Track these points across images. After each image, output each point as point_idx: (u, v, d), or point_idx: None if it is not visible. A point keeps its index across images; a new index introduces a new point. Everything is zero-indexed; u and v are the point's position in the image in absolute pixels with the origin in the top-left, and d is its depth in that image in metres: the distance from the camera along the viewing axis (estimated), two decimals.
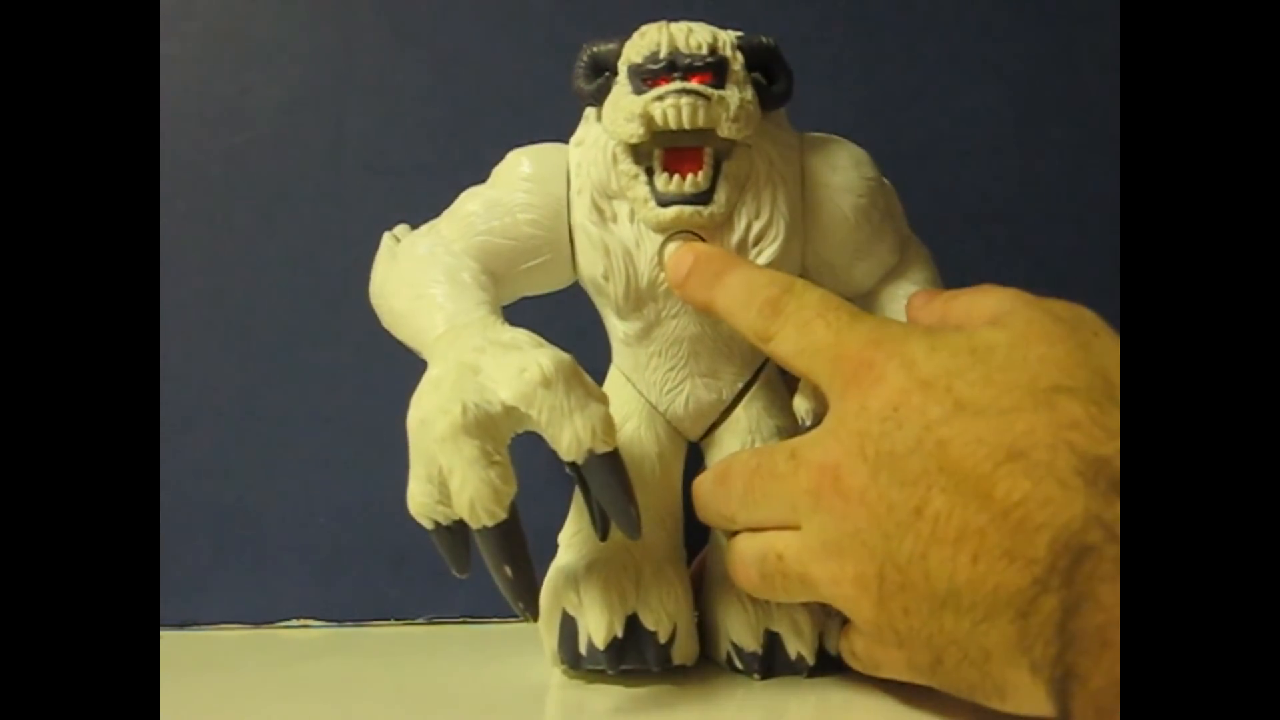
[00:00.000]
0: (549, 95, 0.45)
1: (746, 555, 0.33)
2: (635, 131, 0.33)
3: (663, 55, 0.33)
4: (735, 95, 0.33)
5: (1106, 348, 0.28)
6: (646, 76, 0.33)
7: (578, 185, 0.35)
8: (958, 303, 0.33)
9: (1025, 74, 0.48)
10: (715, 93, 0.33)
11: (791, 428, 0.36)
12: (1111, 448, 0.25)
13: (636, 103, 0.33)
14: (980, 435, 0.27)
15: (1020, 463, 0.26)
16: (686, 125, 0.33)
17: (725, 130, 0.33)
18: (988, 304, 0.31)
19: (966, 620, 0.26)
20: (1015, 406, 0.27)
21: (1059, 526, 0.25)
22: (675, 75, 0.33)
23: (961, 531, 0.26)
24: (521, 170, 0.36)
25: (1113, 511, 0.24)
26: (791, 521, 0.31)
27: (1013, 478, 0.26)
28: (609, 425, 0.32)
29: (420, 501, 0.32)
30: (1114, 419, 0.26)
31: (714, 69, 0.33)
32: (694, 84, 0.33)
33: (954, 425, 0.27)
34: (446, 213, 0.37)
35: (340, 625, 0.46)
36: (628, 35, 0.35)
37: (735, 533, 0.34)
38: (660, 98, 0.33)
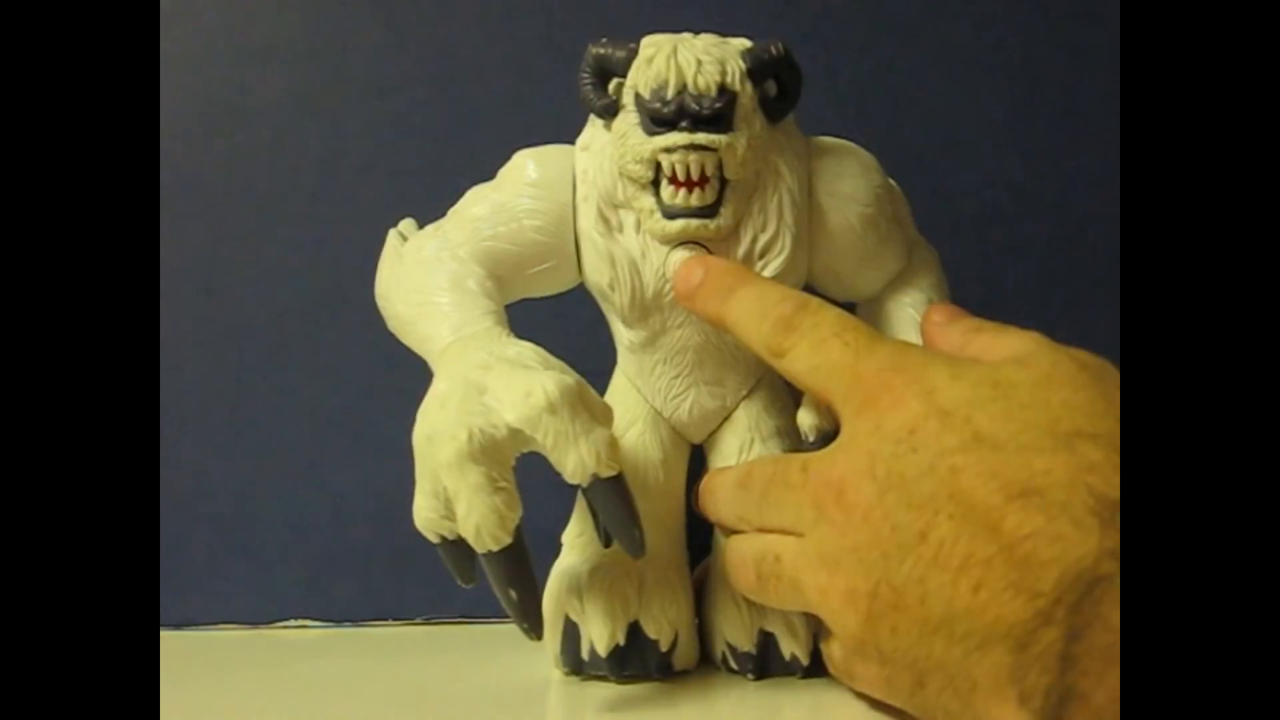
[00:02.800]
0: (547, 94, 0.45)
1: (746, 554, 0.33)
2: (644, 174, 0.33)
3: (671, 96, 0.33)
4: (743, 138, 0.33)
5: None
6: (655, 118, 0.33)
7: (584, 192, 0.35)
8: (979, 339, 0.33)
9: (1024, 74, 0.48)
10: (724, 141, 0.33)
11: (790, 428, 0.36)
12: None
13: (645, 146, 0.33)
14: (995, 468, 0.27)
15: (1035, 499, 0.26)
16: (695, 178, 0.33)
17: (733, 173, 0.33)
18: (1010, 344, 0.31)
19: (958, 648, 0.26)
20: (1034, 445, 0.27)
21: (1069, 563, 0.25)
22: (684, 125, 0.33)
23: (966, 560, 0.26)
24: (527, 175, 0.36)
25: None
26: (797, 530, 0.31)
27: (1025, 512, 0.26)
28: (613, 450, 0.32)
29: (426, 516, 0.32)
30: None
31: (723, 112, 0.33)
32: (702, 137, 0.33)
33: (969, 455, 0.27)
34: (452, 213, 0.37)
35: (338, 625, 0.46)
36: (630, 35, 0.35)
37: (733, 534, 0.34)
38: (669, 150, 0.33)
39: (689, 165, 0.33)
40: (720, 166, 0.33)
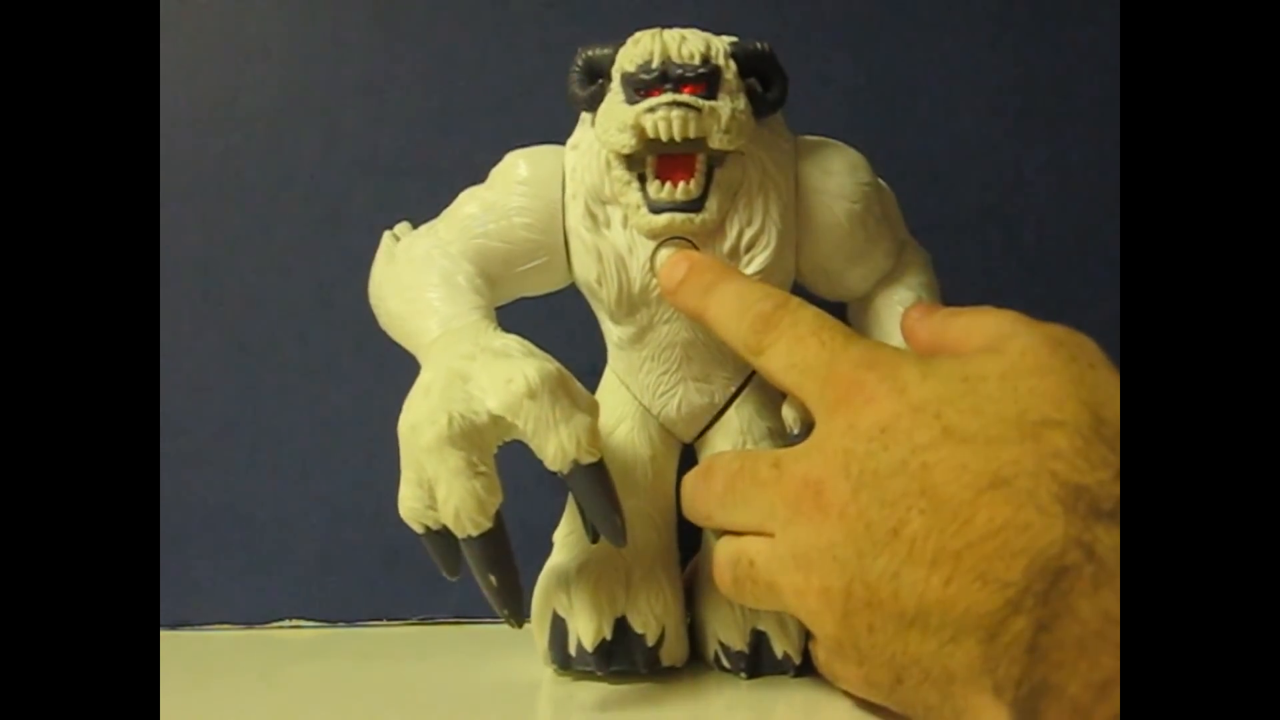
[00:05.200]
0: (541, 95, 0.45)
1: (722, 558, 0.33)
2: (627, 142, 0.33)
3: (655, 65, 0.33)
4: (727, 106, 0.33)
5: (1101, 380, 0.28)
6: (639, 87, 0.33)
7: (572, 189, 0.35)
8: (955, 323, 0.33)
9: (1022, 73, 0.48)
10: (706, 104, 0.33)
11: (782, 429, 0.36)
12: (1093, 478, 0.26)
13: (628, 113, 0.33)
14: (965, 462, 0.27)
15: (1003, 490, 0.26)
16: (677, 137, 0.33)
17: (716, 141, 0.33)
18: (986, 326, 0.31)
19: (933, 641, 0.26)
20: (1002, 437, 0.27)
21: (1037, 551, 0.25)
22: (667, 86, 0.33)
23: (937, 554, 0.26)
24: (518, 173, 0.36)
25: (1091, 534, 0.25)
26: (766, 528, 0.31)
27: (994, 505, 0.26)
28: (593, 436, 0.32)
29: (410, 506, 0.32)
30: (1099, 452, 0.26)
31: (706, 79, 0.33)
32: (685, 96, 0.33)
33: (940, 451, 0.28)
34: (445, 213, 0.37)
35: (332, 625, 0.46)
36: (621, 38, 0.35)
37: (722, 534, 0.34)
38: (652, 109, 0.33)
39: (672, 122, 0.33)
40: (705, 144, 0.33)
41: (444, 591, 0.42)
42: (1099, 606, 0.24)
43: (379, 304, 0.37)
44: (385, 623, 0.45)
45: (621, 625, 0.35)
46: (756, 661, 0.36)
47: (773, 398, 0.37)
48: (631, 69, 0.34)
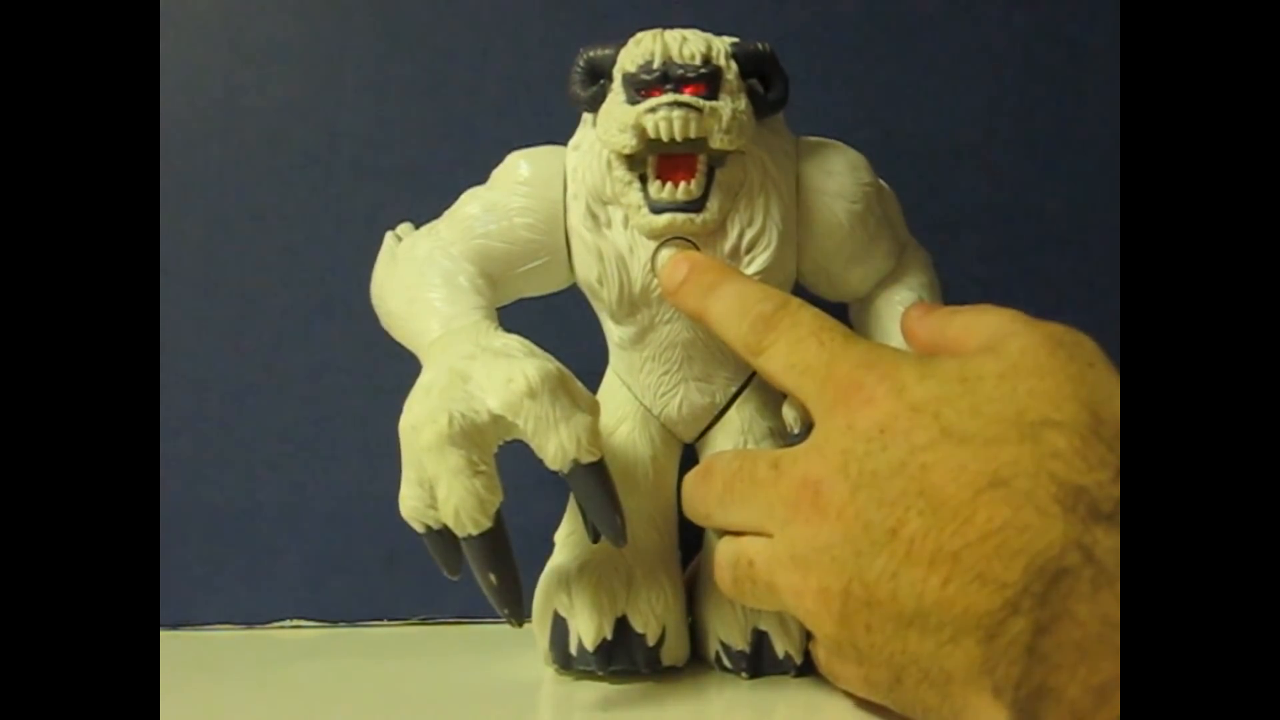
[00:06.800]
0: (542, 95, 0.45)
1: (722, 558, 0.33)
2: (628, 142, 0.33)
3: (656, 65, 0.33)
4: (728, 106, 0.33)
5: (1100, 380, 0.28)
6: (640, 87, 0.34)
7: (574, 190, 0.36)
8: (955, 321, 0.33)
9: (1022, 73, 0.48)
10: (707, 104, 0.33)
11: (783, 429, 0.36)
12: (1092, 478, 0.26)
13: (629, 114, 0.33)
14: (963, 462, 0.27)
15: (1001, 491, 0.26)
16: (678, 138, 0.33)
17: (717, 141, 0.33)
18: (985, 325, 0.31)
19: (931, 641, 0.27)
20: (1000, 437, 0.27)
21: (1035, 552, 0.25)
22: (668, 87, 0.33)
23: (935, 554, 0.26)
24: (519, 174, 0.36)
25: (1090, 536, 0.25)
26: (764, 529, 0.31)
27: (993, 505, 0.26)
28: (594, 435, 0.32)
29: (411, 505, 0.32)
30: (1097, 452, 0.26)
31: (707, 79, 0.33)
32: (686, 96, 0.33)
33: (939, 451, 0.28)
34: (447, 214, 0.37)
35: (334, 625, 0.46)
36: (623, 39, 0.35)
37: (724, 534, 0.34)
38: (653, 110, 0.33)
39: (673, 122, 0.33)
40: (705, 145, 0.33)
41: (445, 592, 0.42)
42: (1098, 610, 0.24)
43: (380, 304, 0.37)
44: (386, 623, 0.45)
45: (622, 625, 0.35)
46: (758, 661, 0.36)
47: (774, 398, 0.37)
48: (632, 69, 0.34)
